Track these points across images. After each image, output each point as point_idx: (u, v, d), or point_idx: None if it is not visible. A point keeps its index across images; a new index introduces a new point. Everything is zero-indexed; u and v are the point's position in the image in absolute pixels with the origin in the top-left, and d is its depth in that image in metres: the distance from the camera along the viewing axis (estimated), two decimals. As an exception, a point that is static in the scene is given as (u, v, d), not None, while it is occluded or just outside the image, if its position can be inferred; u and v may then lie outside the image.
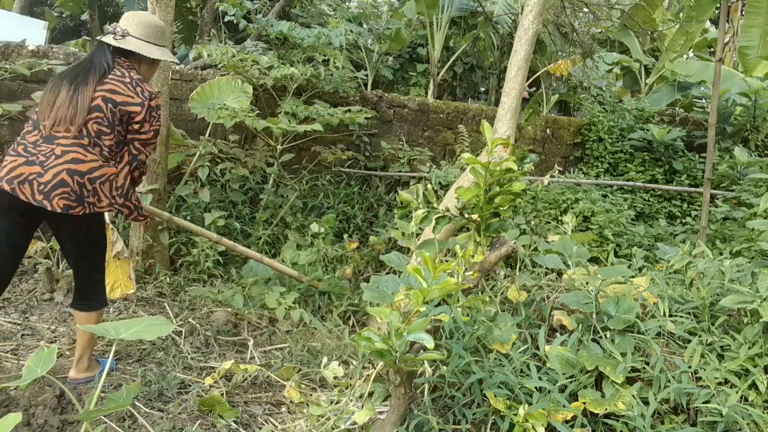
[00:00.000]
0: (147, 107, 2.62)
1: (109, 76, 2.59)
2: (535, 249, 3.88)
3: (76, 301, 2.74)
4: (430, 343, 1.90)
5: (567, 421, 2.20)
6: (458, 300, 2.47)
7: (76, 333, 2.79)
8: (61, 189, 2.42)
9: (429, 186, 3.12)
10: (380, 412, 2.49)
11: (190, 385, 2.86)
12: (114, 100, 2.55)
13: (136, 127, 2.62)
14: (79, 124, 2.49)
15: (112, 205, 2.60)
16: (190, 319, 3.53)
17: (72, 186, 2.45)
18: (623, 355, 2.46)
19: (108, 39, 2.66)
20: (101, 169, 2.53)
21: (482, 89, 10.05)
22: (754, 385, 2.40)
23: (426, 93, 8.23)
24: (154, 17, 2.87)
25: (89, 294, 2.73)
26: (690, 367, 2.41)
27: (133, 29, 2.71)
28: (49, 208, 2.42)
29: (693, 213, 6.30)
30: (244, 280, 3.98)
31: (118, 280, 3.58)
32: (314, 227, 4.32)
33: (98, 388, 1.94)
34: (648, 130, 6.88)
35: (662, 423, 2.35)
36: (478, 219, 2.73)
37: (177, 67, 5.41)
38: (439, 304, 2.47)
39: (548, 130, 7.12)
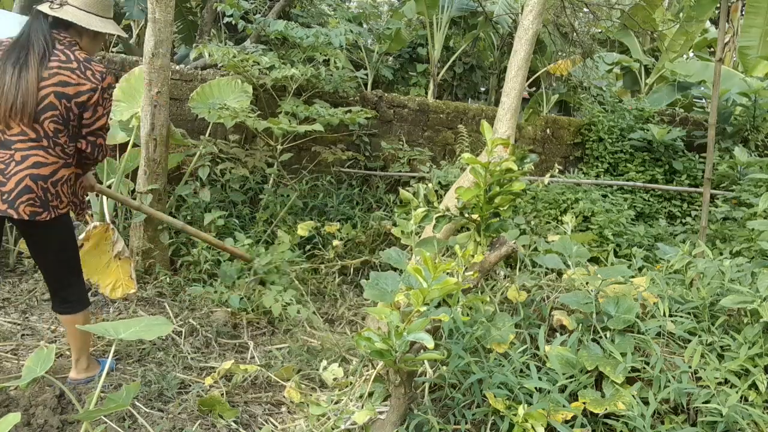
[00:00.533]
0: (100, 90, 2.44)
1: (53, 62, 2.36)
2: (535, 249, 3.88)
3: (58, 305, 2.66)
4: (430, 343, 1.90)
5: (567, 421, 2.20)
6: (458, 300, 2.47)
7: (68, 336, 2.74)
8: (26, 196, 2.34)
9: (429, 185, 3.12)
10: (380, 412, 2.49)
11: (190, 385, 2.86)
12: (66, 93, 2.37)
13: (88, 114, 2.46)
14: (31, 113, 2.31)
15: (69, 204, 2.53)
16: (190, 319, 3.53)
17: (37, 192, 2.36)
18: (623, 355, 2.46)
19: (44, 7, 2.42)
20: (61, 171, 2.45)
21: (482, 89, 10.05)
22: (754, 385, 2.40)
23: (426, 93, 8.23)
24: None
25: (69, 296, 2.65)
26: (690, 367, 2.41)
27: None
28: (15, 217, 2.35)
29: (693, 213, 6.30)
30: (240, 280, 3.97)
31: (119, 279, 3.58)
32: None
33: (98, 388, 1.94)
34: (648, 130, 6.88)
35: (662, 423, 2.35)
36: (478, 219, 2.73)
37: (177, 67, 5.41)
38: (439, 305, 2.47)
39: (548, 130, 7.12)
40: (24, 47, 2.36)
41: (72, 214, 2.66)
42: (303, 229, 4.36)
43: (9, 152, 2.35)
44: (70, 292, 2.65)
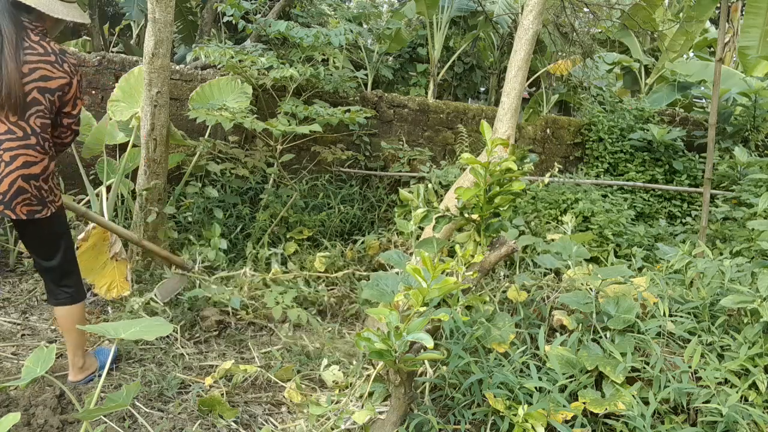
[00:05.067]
0: (77, 83, 2.46)
1: (32, 56, 2.31)
2: (534, 249, 3.88)
3: (56, 297, 2.63)
4: (429, 342, 1.90)
5: (567, 421, 2.20)
6: (458, 300, 2.47)
7: (65, 332, 2.71)
8: (21, 197, 2.35)
9: (429, 186, 3.12)
10: (380, 412, 2.49)
11: (190, 385, 2.86)
12: (49, 88, 2.36)
13: (69, 108, 2.47)
14: (16, 104, 2.27)
15: (61, 197, 2.54)
16: (190, 320, 3.53)
17: (31, 191, 2.37)
18: (623, 355, 2.46)
19: None
20: (50, 166, 2.45)
21: (482, 89, 10.04)
22: (754, 385, 2.40)
23: (426, 93, 8.22)
24: None
25: (68, 286, 2.64)
26: (690, 367, 2.41)
27: None
28: (14, 217, 2.36)
29: (693, 213, 6.30)
30: (240, 280, 3.97)
31: (115, 281, 3.58)
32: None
33: (98, 388, 1.94)
34: (648, 130, 6.87)
35: (662, 423, 2.35)
36: (478, 219, 2.73)
37: (177, 67, 5.41)
38: (439, 305, 2.47)
39: (548, 130, 7.12)
40: None
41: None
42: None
43: None
44: (68, 282, 2.64)
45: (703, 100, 8.82)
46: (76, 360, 2.73)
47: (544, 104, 8.80)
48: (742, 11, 9.47)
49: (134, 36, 10.95)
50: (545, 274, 3.56)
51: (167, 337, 3.30)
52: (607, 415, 2.33)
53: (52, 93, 2.38)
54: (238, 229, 4.81)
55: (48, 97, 2.38)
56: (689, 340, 2.62)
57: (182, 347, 3.26)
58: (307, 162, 5.78)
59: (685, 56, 10.00)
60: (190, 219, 4.77)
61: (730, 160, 6.37)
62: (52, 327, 3.41)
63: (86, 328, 2.19)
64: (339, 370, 2.99)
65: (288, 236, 4.84)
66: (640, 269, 3.87)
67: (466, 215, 2.78)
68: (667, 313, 2.71)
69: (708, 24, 10.94)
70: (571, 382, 2.41)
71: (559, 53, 8.51)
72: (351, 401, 2.67)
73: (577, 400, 2.34)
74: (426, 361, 2.59)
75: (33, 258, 2.65)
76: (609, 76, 10.39)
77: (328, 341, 3.43)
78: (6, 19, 2.29)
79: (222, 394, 2.75)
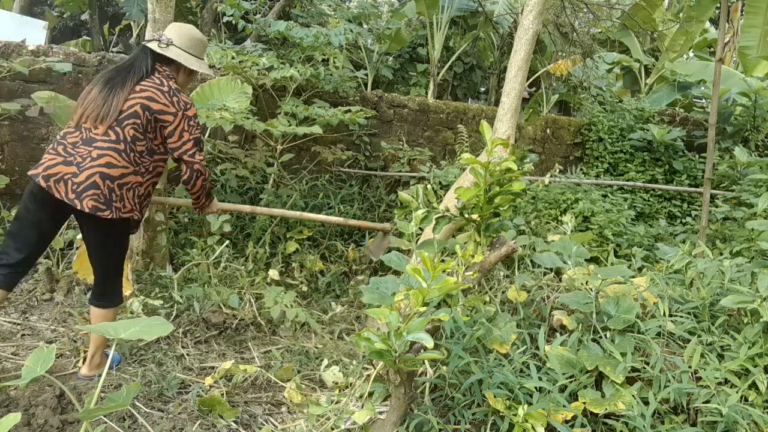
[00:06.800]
0: (182, 116, 2.74)
1: (147, 83, 2.70)
2: (533, 248, 3.88)
3: (97, 298, 2.80)
4: (429, 342, 1.90)
5: (567, 421, 2.20)
6: (458, 300, 2.47)
7: (92, 332, 2.81)
8: (92, 191, 2.53)
9: (429, 186, 3.12)
10: (380, 412, 2.49)
11: (190, 385, 2.86)
12: (151, 107, 2.67)
13: (172, 139, 2.74)
14: (109, 124, 2.60)
15: (133, 212, 2.69)
16: (190, 320, 3.53)
17: (102, 189, 2.55)
18: (623, 355, 2.46)
19: (152, 45, 2.80)
20: (130, 176, 2.64)
21: (482, 89, 10.04)
22: (754, 385, 2.40)
23: (426, 93, 8.22)
24: (198, 32, 2.99)
25: (109, 291, 2.80)
26: (690, 367, 2.41)
27: (177, 39, 2.85)
28: (78, 207, 2.52)
29: (693, 213, 6.30)
30: (241, 280, 3.97)
31: (116, 280, 3.57)
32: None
33: (98, 388, 1.94)
34: (648, 130, 6.87)
35: (662, 423, 2.35)
36: (478, 219, 2.73)
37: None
38: (439, 305, 2.47)
39: (548, 130, 7.12)
40: (126, 70, 2.74)
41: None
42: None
43: (89, 149, 2.59)
44: (111, 288, 2.80)
45: (703, 100, 8.81)
46: (95, 357, 2.84)
47: (544, 104, 8.80)
48: (742, 11, 9.47)
49: (134, 36, 10.95)
50: (545, 274, 3.56)
51: (167, 337, 3.30)
52: (607, 415, 2.33)
53: (152, 113, 2.68)
54: (238, 228, 4.81)
55: (147, 115, 2.67)
56: (689, 340, 2.62)
57: (182, 347, 3.27)
58: (307, 162, 5.78)
59: (685, 56, 9.99)
60: (189, 219, 4.77)
61: (730, 160, 6.37)
62: (52, 327, 3.41)
63: (85, 328, 2.19)
64: (339, 370, 2.99)
65: (288, 236, 4.84)
66: (640, 269, 3.87)
67: (466, 215, 2.78)
68: (667, 313, 2.71)
69: (708, 24, 10.93)
70: (571, 382, 2.41)
71: (559, 53, 8.50)
72: (351, 401, 2.67)
73: (577, 400, 2.34)
74: (426, 361, 2.59)
75: (90, 257, 2.81)
76: (609, 76, 10.38)
77: (327, 341, 3.43)
78: (141, 66, 2.75)
79: (222, 394, 2.75)
